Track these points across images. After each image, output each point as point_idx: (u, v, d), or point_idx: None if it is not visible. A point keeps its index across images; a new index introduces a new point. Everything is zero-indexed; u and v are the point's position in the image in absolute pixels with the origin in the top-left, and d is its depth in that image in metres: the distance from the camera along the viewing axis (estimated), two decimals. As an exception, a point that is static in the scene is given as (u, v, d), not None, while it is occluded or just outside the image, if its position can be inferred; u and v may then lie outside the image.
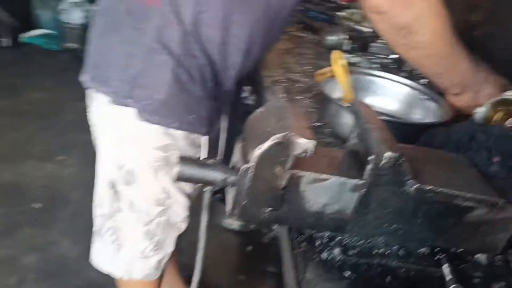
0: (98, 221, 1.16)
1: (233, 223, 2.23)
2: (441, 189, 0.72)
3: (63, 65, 3.63)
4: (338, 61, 1.19)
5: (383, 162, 0.67)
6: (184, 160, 0.74)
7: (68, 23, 3.73)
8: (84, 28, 3.73)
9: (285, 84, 1.33)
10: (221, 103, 1.03)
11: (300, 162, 0.70)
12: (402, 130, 1.05)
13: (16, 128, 2.76)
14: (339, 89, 1.19)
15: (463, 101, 1.05)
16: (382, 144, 0.69)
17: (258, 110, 0.77)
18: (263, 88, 1.33)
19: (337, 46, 1.67)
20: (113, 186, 1.07)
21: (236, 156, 0.78)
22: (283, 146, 0.67)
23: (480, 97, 1.02)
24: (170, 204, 1.08)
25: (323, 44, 1.69)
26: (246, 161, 0.70)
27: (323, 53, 1.64)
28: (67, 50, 3.80)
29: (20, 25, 3.76)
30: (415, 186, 0.71)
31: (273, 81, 1.34)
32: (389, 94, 1.24)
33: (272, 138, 0.67)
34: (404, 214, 0.73)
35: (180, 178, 0.74)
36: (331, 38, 1.68)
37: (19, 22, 3.74)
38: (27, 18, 3.87)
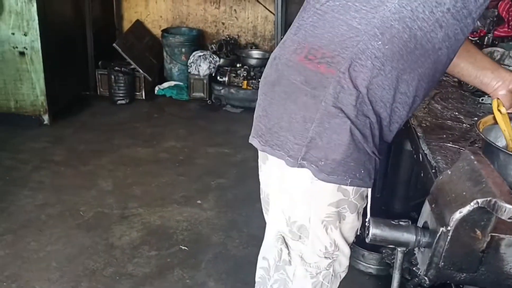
0: (260, 272, 1.22)
1: (370, 266, 2.20)
2: None
3: (192, 114, 3.93)
4: (499, 109, 1.17)
5: None
6: (376, 222, 0.78)
7: (195, 74, 4.03)
8: (209, 78, 4.02)
9: (437, 134, 1.33)
10: (381, 154, 1.07)
11: (498, 224, 0.71)
12: None
13: (156, 175, 3.01)
14: (501, 138, 1.17)
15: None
16: None
17: (446, 172, 0.79)
18: (418, 137, 1.34)
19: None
20: (283, 241, 1.13)
21: (424, 217, 0.80)
22: (485, 210, 0.68)
23: None
24: (337, 256, 1.12)
25: (464, 87, 1.66)
26: (442, 223, 0.73)
27: (467, 97, 1.62)
28: (194, 99, 4.11)
29: (154, 79, 4.15)
30: None
31: (424, 129, 1.35)
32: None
33: (473, 202, 0.68)
34: None
35: (373, 241, 0.78)
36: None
37: (154, 76, 4.13)
38: (161, 72, 4.26)
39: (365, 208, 1.10)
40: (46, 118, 3.45)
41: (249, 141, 1.15)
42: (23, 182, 2.82)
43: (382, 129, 1.02)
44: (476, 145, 1.24)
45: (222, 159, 3.19)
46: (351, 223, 1.10)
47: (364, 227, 1.09)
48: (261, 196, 1.26)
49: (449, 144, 1.27)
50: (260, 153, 1.16)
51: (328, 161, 0.99)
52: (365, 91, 0.96)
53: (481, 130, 1.15)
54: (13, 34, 3.21)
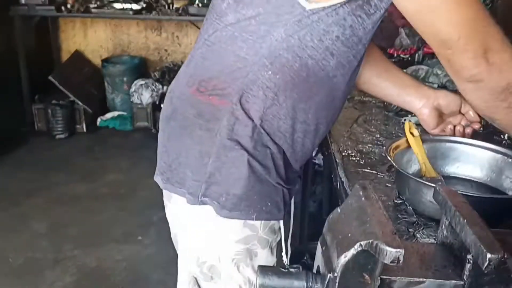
0: None
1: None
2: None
3: (136, 144, 3.81)
4: (411, 132, 1.14)
5: (485, 264, 0.60)
6: (264, 271, 0.71)
7: (138, 103, 3.93)
8: (152, 106, 3.92)
9: (356, 159, 1.28)
10: (293, 184, 1.03)
11: (389, 266, 0.65)
12: (494, 206, 0.97)
13: (96, 212, 2.87)
14: (415, 161, 1.13)
15: None
16: (481, 242, 0.62)
17: (336, 211, 0.73)
18: (336, 163, 1.29)
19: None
20: (195, 282, 1.07)
21: (317, 261, 0.74)
22: (369, 254, 0.62)
23: None
24: None
25: (389, 108, 1.64)
26: (329, 268, 0.66)
27: (391, 118, 1.59)
28: (138, 129, 3.99)
29: (95, 111, 4.01)
30: (525, 285, 0.63)
31: (343, 156, 1.31)
32: (472, 160, 1.16)
33: (357, 245, 0.62)
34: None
35: (262, 290, 0.71)
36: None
37: (95, 108, 4.00)
38: (103, 103, 4.13)
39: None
40: (-24, 158, 3.27)
41: (154, 179, 1.09)
42: None
43: (286, 159, 0.98)
44: (393, 169, 1.20)
45: (166, 190, 3.08)
46: (265, 259, 1.04)
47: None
48: (171, 236, 1.18)
49: (366, 170, 1.23)
50: (164, 191, 1.10)
51: (229, 196, 0.94)
52: (259, 122, 0.92)
53: (392, 154, 1.11)
54: None
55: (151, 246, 2.54)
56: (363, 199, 0.70)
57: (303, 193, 2.24)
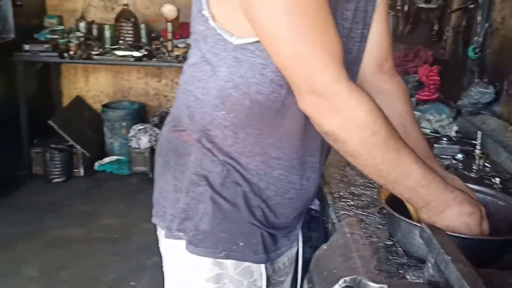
0: None
1: None
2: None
3: (132, 188, 3.80)
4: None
5: (468, 301, 0.60)
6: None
7: (136, 148, 3.96)
8: (150, 151, 3.95)
9: (348, 201, 1.29)
10: (284, 231, 1.01)
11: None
12: (482, 248, 0.96)
13: (89, 256, 2.83)
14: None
15: (425, 218, 0.86)
16: (464, 279, 0.62)
17: (322, 248, 0.74)
18: (327, 205, 1.30)
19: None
20: None
21: (304, 298, 0.73)
22: (353, 290, 0.62)
23: (442, 218, 0.84)
24: None
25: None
26: (315, 306, 0.66)
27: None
28: (135, 173, 4.00)
29: (94, 155, 4.03)
30: (511, 324, 0.62)
31: (335, 197, 1.31)
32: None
33: (341, 281, 0.63)
34: None
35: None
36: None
37: (94, 152, 4.02)
38: (102, 147, 4.16)
39: None
40: (-29, 201, 3.25)
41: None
42: None
43: (267, 199, 0.95)
44: (385, 211, 1.20)
45: (160, 235, 3.04)
46: None
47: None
48: None
49: (358, 211, 1.23)
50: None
51: (198, 232, 0.94)
52: (226, 159, 0.92)
53: (384, 196, 1.12)
54: None
55: (143, 292, 2.49)
56: (348, 235, 0.70)
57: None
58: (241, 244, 0.93)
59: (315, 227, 2.73)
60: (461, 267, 0.64)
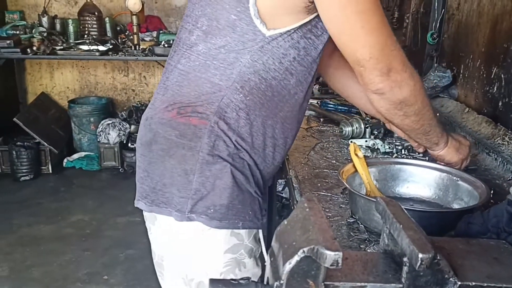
0: None
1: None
2: (486, 284, 0.67)
3: (102, 184, 3.78)
4: (356, 154, 1.20)
5: (418, 264, 0.64)
6: (215, 283, 0.73)
7: (105, 143, 3.92)
8: (120, 146, 3.92)
9: (313, 183, 1.33)
10: (265, 196, 1.12)
11: (334, 271, 0.68)
12: (435, 219, 1.02)
13: (60, 253, 2.81)
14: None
15: (449, 154, 1.22)
16: (413, 244, 0.66)
17: (283, 223, 0.77)
18: (293, 188, 1.34)
19: (357, 136, 1.68)
20: None
21: (267, 272, 0.76)
22: (312, 260, 0.65)
23: (462, 150, 1.23)
24: None
25: (342, 136, 1.71)
26: (276, 277, 0.69)
27: (347, 145, 1.65)
28: (105, 168, 3.97)
29: (62, 152, 3.98)
30: (458, 284, 0.67)
31: (300, 179, 1.35)
32: (420, 180, 1.22)
33: (300, 251, 0.65)
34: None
35: (213, 302, 0.73)
36: (347, 129, 1.70)
37: (61, 149, 3.96)
38: (70, 144, 4.11)
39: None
40: None
41: (135, 205, 1.12)
42: None
43: (260, 171, 1.07)
44: (347, 191, 1.25)
45: (133, 228, 3.03)
46: (252, 270, 1.09)
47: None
48: (154, 261, 1.19)
49: (322, 193, 1.27)
50: (147, 215, 1.13)
51: (217, 207, 1.01)
52: (236, 139, 1.01)
53: (345, 177, 1.16)
54: None
55: (117, 285, 2.48)
56: (307, 210, 0.74)
57: (269, 225, 2.26)
58: (250, 212, 1.04)
59: (286, 214, 2.79)
60: (411, 234, 0.68)
